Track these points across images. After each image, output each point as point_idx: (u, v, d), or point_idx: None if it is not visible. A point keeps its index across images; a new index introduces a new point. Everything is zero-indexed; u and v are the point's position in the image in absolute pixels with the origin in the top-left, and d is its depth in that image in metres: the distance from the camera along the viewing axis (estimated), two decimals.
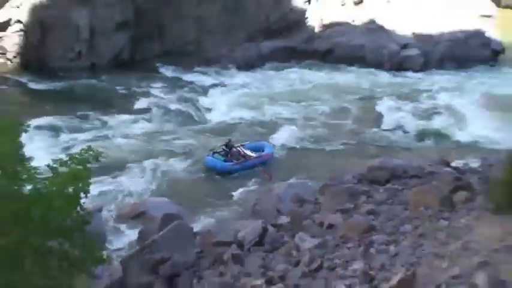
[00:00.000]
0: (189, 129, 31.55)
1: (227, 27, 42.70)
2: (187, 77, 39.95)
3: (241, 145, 28.29)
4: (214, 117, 33.48)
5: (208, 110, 34.53)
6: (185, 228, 17.12)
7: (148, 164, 26.61)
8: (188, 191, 24.56)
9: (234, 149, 27.70)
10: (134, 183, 24.96)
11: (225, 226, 19.02)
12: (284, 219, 17.19)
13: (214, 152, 27.53)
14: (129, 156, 27.50)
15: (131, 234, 19.31)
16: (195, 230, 18.20)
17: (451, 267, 10.96)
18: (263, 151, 28.21)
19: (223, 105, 34.84)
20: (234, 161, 27.26)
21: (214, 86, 38.55)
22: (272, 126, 32.10)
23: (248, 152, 27.89)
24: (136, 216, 20.16)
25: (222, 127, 32.07)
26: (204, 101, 35.80)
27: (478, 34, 45.71)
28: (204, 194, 24.31)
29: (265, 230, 16.02)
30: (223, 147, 27.75)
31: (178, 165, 27.13)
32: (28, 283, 9.91)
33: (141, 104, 34.64)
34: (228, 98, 35.95)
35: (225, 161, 27.13)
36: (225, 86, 38.53)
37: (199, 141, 29.93)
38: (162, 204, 20.52)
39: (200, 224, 20.67)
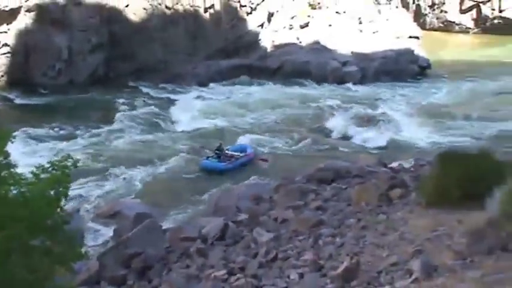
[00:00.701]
0: (158, 138, 31.18)
1: (190, 48, 42.50)
2: (156, 91, 39.63)
3: (227, 149, 28.35)
4: (181, 127, 33.17)
5: (175, 120, 34.18)
6: (156, 225, 16.87)
7: (122, 169, 26.21)
8: (159, 193, 24.27)
9: (224, 152, 27.79)
10: (110, 186, 24.58)
11: (191, 223, 18.80)
12: (243, 216, 17.02)
13: (208, 157, 27.54)
14: (105, 163, 27.08)
15: (107, 232, 18.94)
16: (164, 227, 17.98)
17: (390, 255, 10.95)
18: (246, 151, 28.38)
19: (188, 116, 34.52)
20: (227, 161, 27.37)
21: (179, 99, 38.20)
22: (233, 134, 31.94)
23: (235, 153, 28.06)
24: (111, 215, 19.78)
25: (187, 135, 31.79)
26: (171, 112, 35.42)
27: (407, 52, 46.36)
28: (174, 196, 24.01)
29: (226, 225, 15.84)
30: (216, 150, 27.76)
31: (150, 169, 26.76)
32: (13, 277, 9.66)
33: (115, 116, 34.09)
34: (193, 110, 35.63)
35: (219, 162, 27.21)
36: (189, 99, 38.18)
37: (167, 148, 29.62)
38: (134, 205, 20.23)
39: (169, 221, 20.41)
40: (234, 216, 17.39)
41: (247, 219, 16.61)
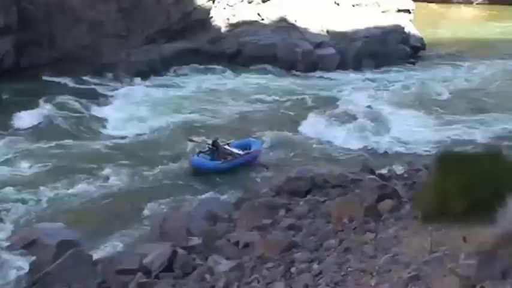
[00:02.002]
0: (82, 146, 30.73)
1: (124, 30, 42.26)
2: (80, 86, 39.23)
3: (227, 143, 28.86)
4: (110, 132, 32.82)
5: (103, 123, 33.85)
6: (84, 256, 16.73)
7: (36, 187, 25.76)
8: (89, 215, 24.00)
9: (221, 148, 28.15)
10: (25, 208, 24.23)
11: (130, 251, 18.66)
12: (195, 240, 16.96)
13: (200, 152, 28.06)
14: (12, 181, 26.58)
15: (21, 267, 18.66)
16: (96, 257, 17.79)
17: (380, 283, 11.00)
18: (250, 148, 28.85)
19: (121, 118, 34.19)
20: (222, 160, 27.71)
21: (110, 95, 37.94)
22: (178, 138, 31.76)
23: (235, 150, 28.41)
24: (27, 245, 19.47)
25: (119, 142, 31.44)
26: (98, 112, 35.14)
27: (396, 30, 46.83)
28: (108, 217, 23.75)
29: (174, 253, 15.76)
30: (210, 146, 28.17)
31: (76, 185, 26.45)
32: None
33: (24, 117, 33.42)
34: (127, 109, 35.36)
35: (212, 160, 27.55)
36: (122, 95, 37.93)
37: (97, 157, 29.29)
38: (56, 230, 19.90)
39: (102, 250, 20.16)
40: (184, 240, 17.32)
41: (201, 245, 16.56)
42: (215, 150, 28.21)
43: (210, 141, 28.92)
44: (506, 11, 59.85)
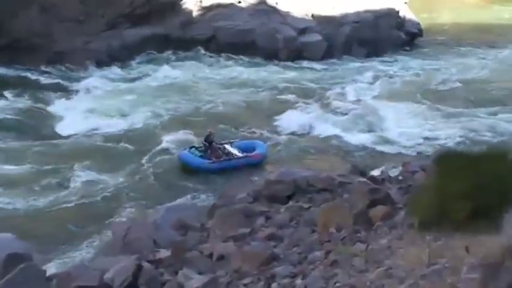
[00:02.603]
0: (35, 146, 30.62)
1: (82, 14, 42.07)
2: (32, 77, 39.15)
3: (230, 142, 29.31)
4: (67, 129, 32.67)
5: (59, 119, 33.76)
6: (36, 271, 16.61)
7: None
8: (39, 224, 23.94)
9: (215, 145, 28.42)
10: None
11: (89, 265, 18.57)
12: (163, 253, 16.89)
13: (192, 146, 28.46)
14: None
15: None
16: (49, 272, 17.68)
17: None
18: (253, 151, 29.06)
19: (79, 113, 34.10)
20: (213, 159, 28.00)
21: (66, 88, 37.85)
22: (144, 136, 31.73)
23: (233, 151, 28.74)
24: None
25: (76, 141, 31.34)
26: (53, 108, 35.07)
27: (390, 14, 46.95)
28: (62, 226, 23.76)
29: (139, 267, 15.67)
30: (203, 141, 28.55)
31: (23, 191, 26.38)
32: None
33: None
34: (85, 104, 35.27)
35: (202, 157, 27.83)
36: (81, 87, 37.87)
37: (49, 160, 29.16)
38: (4, 242, 19.77)
39: (57, 264, 20.19)
40: (151, 253, 17.27)
41: (170, 257, 16.50)
42: (208, 147, 28.51)
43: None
44: None
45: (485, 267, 10.32)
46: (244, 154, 29.00)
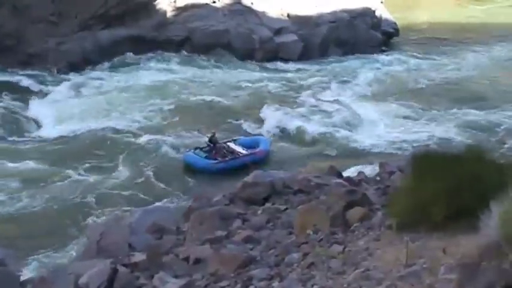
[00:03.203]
0: (6, 149, 30.53)
1: (54, 14, 41.87)
2: (4, 79, 38.86)
3: (233, 140, 29.63)
4: (40, 133, 32.70)
5: (32, 122, 33.70)
6: (10, 276, 16.56)
7: None
8: (13, 228, 23.89)
9: (219, 145, 28.69)
10: None
11: (63, 270, 18.49)
12: (139, 256, 16.83)
13: (196, 148, 28.64)
14: None
15: None
16: (23, 278, 17.64)
17: None
18: (257, 147, 29.37)
19: (52, 117, 34.00)
20: (219, 159, 28.24)
21: (38, 91, 37.70)
22: (119, 140, 31.66)
23: (237, 148, 29.06)
24: None
25: (50, 144, 31.26)
26: (26, 110, 34.98)
27: (366, 13, 47.08)
28: (36, 230, 23.71)
29: (115, 271, 15.62)
30: (207, 142, 28.75)
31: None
32: None
33: None
34: (59, 107, 35.13)
35: (207, 158, 28.06)
36: (53, 90, 37.72)
37: (21, 163, 29.02)
38: None
39: (31, 269, 20.15)
40: (126, 257, 17.21)
41: (146, 261, 16.45)
42: (213, 147, 28.77)
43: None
44: None
45: (463, 268, 10.36)
46: (249, 151, 29.29)
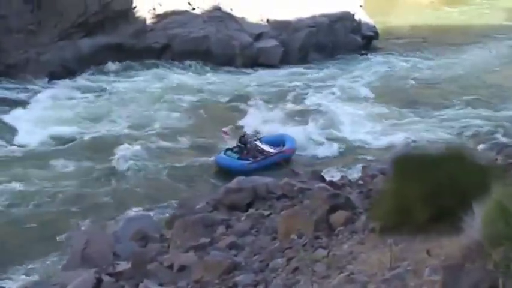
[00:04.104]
0: None
1: (33, 23, 41.72)
2: None
3: (258, 139, 29.63)
4: (19, 141, 32.53)
5: (11, 132, 33.48)
6: None
7: None
8: None
9: (250, 145, 28.84)
10: None
11: (46, 280, 18.45)
12: (123, 265, 16.80)
13: (227, 149, 28.84)
14: None
15: None
16: None
17: None
18: (283, 145, 29.60)
19: (31, 126, 33.78)
20: (251, 159, 28.49)
21: (19, 101, 37.40)
22: (103, 147, 31.56)
23: (266, 148, 29.23)
24: None
25: (31, 152, 31.12)
26: (6, 119, 34.73)
27: (346, 17, 47.19)
28: (19, 240, 23.55)
29: (99, 281, 15.59)
30: (238, 142, 28.92)
31: None
32: None
33: None
34: (39, 115, 35.01)
35: (239, 158, 28.28)
36: (34, 99, 37.55)
37: (6, 170, 28.92)
38: None
39: (14, 280, 20.06)
40: (111, 265, 17.16)
41: (130, 269, 16.41)
42: (243, 147, 28.91)
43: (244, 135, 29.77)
44: None
45: (447, 269, 10.40)
46: (278, 149, 29.57)
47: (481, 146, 27.25)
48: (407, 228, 12.73)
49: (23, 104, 36.94)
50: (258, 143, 29.64)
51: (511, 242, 9.52)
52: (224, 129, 30.56)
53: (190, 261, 15.75)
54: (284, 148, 29.81)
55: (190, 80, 40.91)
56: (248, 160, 28.73)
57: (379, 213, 13.68)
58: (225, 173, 27.79)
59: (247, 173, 27.25)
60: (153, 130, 33.94)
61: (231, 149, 29.26)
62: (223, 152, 29.19)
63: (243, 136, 29.45)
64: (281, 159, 29.07)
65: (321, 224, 15.26)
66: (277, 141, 30.31)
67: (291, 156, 29.91)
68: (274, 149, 29.63)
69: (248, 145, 29.12)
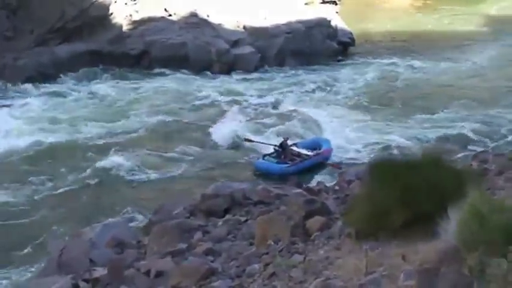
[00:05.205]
0: None
1: (9, 29, 41.53)
2: None
3: (294, 144, 30.10)
4: None
5: None
6: None
7: None
8: None
9: (288, 149, 29.31)
10: None
11: (23, 287, 18.34)
12: (100, 271, 16.70)
13: (265, 155, 29.37)
14: None
15: None
16: None
17: None
18: (319, 148, 30.07)
19: (6, 132, 33.60)
20: (289, 162, 28.91)
21: None
22: (78, 154, 31.45)
23: (303, 151, 29.73)
24: None
25: (5, 160, 30.91)
26: None
27: (322, 24, 47.29)
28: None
29: (76, 287, 15.53)
30: (275, 147, 29.45)
31: None
32: None
33: None
34: (12, 121, 34.87)
35: (278, 163, 28.72)
36: (9, 106, 37.29)
37: None
38: None
39: None
40: (87, 272, 17.07)
41: (107, 276, 16.33)
42: (281, 152, 29.36)
43: (273, 142, 30.52)
44: (442, 0, 61.33)
45: (422, 274, 10.40)
46: (315, 152, 30.00)
47: (457, 151, 27.40)
48: (383, 233, 12.75)
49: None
50: (294, 147, 30.15)
51: (486, 246, 9.55)
52: (246, 137, 31.96)
53: (168, 267, 15.71)
54: (321, 150, 30.31)
55: (167, 86, 40.83)
56: (286, 163, 29.17)
57: (355, 218, 13.70)
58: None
59: (286, 175, 27.67)
60: (126, 136, 33.80)
61: (268, 155, 29.83)
62: (262, 158, 29.72)
63: (284, 141, 29.95)
64: (319, 160, 29.71)
65: (297, 230, 15.27)
66: (313, 144, 30.95)
67: (329, 157, 30.36)
68: (311, 152, 30.05)
69: (287, 149, 29.64)
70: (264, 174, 28.88)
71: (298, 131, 33.94)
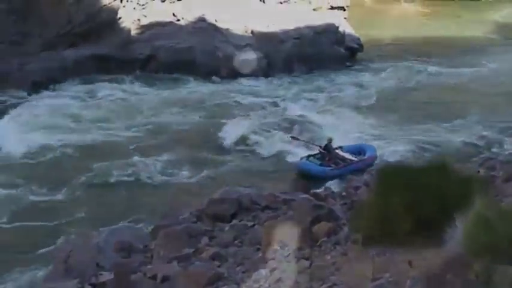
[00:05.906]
0: None
1: (18, 34, 41.58)
2: None
3: (339, 147, 29.95)
4: (4, 151, 32.28)
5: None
6: None
7: None
8: None
9: (333, 152, 29.28)
10: None
11: None
12: (106, 276, 16.73)
13: (309, 156, 29.28)
14: None
15: None
16: None
17: None
18: (364, 154, 30.06)
19: (14, 136, 33.51)
20: (333, 166, 28.91)
21: (2, 112, 37.12)
22: (86, 158, 31.48)
23: (347, 155, 29.65)
24: None
25: (12, 163, 30.97)
26: None
27: (330, 29, 47.22)
28: (3, 253, 23.36)
29: None
30: (320, 149, 29.40)
31: None
32: None
33: None
34: (19, 127, 34.71)
35: (321, 165, 28.66)
36: (17, 111, 37.12)
37: None
38: None
39: None
40: (94, 276, 17.10)
41: (113, 280, 16.35)
42: (326, 154, 29.35)
43: (317, 143, 30.59)
44: (451, 8, 61.36)
45: (429, 280, 10.41)
46: (359, 158, 30.01)
47: (465, 158, 27.36)
48: (390, 240, 12.76)
49: (4, 114, 36.73)
50: (339, 151, 30.08)
51: (492, 253, 9.57)
52: (292, 135, 32.05)
53: (174, 272, 15.72)
54: (366, 156, 30.23)
55: (174, 91, 40.91)
56: (329, 166, 29.23)
57: (362, 224, 13.71)
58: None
59: (327, 178, 27.67)
60: (134, 141, 33.86)
61: (313, 155, 29.79)
62: (305, 158, 29.63)
63: (329, 143, 29.89)
64: (363, 167, 29.14)
65: (304, 235, 15.27)
66: (358, 150, 30.88)
67: (373, 164, 29.87)
68: (356, 157, 30.06)
69: (332, 152, 29.64)
70: (305, 175, 28.81)
71: (305, 135, 33.91)
